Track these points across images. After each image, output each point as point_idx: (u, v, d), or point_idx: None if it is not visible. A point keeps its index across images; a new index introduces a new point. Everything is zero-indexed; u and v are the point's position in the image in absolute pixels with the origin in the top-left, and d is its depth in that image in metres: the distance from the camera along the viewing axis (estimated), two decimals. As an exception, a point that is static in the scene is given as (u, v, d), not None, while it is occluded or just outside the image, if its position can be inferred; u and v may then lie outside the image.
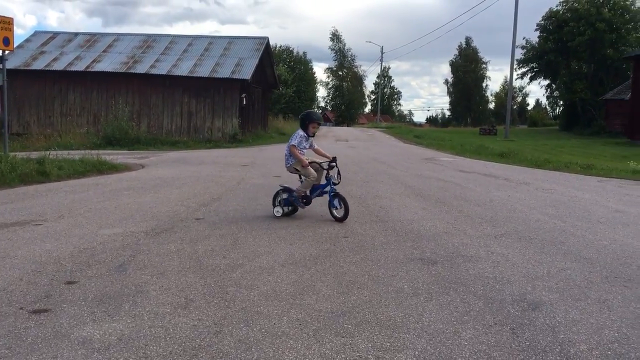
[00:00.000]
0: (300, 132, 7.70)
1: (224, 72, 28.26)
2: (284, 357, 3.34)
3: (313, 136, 7.80)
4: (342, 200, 7.56)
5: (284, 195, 7.90)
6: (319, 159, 7.89)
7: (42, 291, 4.45)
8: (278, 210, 7.90)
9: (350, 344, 3.56)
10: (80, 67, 28.39)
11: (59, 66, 28.40)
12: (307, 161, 7.57)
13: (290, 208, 7.95)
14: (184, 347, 3.45)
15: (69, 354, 3.32)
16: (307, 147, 7.81)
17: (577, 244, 6.47)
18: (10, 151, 13.96)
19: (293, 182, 8.47)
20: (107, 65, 28.57)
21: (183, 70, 28.32)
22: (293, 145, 7.61)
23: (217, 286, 4.68)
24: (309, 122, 7.68)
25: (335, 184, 7.62)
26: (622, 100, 39.25)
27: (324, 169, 7.71)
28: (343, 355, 3.39)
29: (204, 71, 28.29)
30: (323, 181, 7.79)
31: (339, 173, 7.62)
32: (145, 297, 4.38)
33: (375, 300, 4.40)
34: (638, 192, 11.37)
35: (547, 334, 3.78)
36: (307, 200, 7.89)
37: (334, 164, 7.60)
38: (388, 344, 3.58)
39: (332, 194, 7.60)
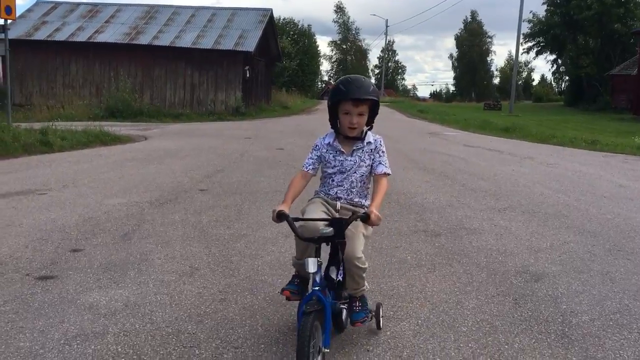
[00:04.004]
0: (321, 139, 3.24)
1: (228, 44, 28.00)
2: (287, 324, 3.37)
3: (360, 136, 3.14)
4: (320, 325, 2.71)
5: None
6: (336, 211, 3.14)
7: (48, 258, 4.48)
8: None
9: (353, 312, 3.59)
10: (82, 37, 28.13)
11: (61, 37, 28.15)
12: (280, 208, 2.89)
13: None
14: (189, 313, 3.49)
15: (76, 318, 3.35)
16: (353, 165, 3.15)
17: (580, 218, 6.48)
18: (13, 122, 13.94)
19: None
20: (109, 36, 28.31)
21: (186, 41, 28.05)
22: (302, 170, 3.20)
23: (221, 255, 4.71)
24: (335, 102, 3.09)
25: (334, 285, 3.01)
26: (628, 76, 38.87)
27: (301, 238, 2.90)
28: (347, 323, 3.42)
29: (207, 43, 28.03)
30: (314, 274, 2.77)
31: (342, 264, 2.99)
32: (150, 265, 4.41)
33: (379, 270, 4.43)
34: (642, 168, 11.34)
35: (549, 305, 3.80)
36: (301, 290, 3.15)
37: (339, 229, 2.83)
38: (391, 312, 3.61)
39: (308, 301, 2.68)
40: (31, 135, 12.08)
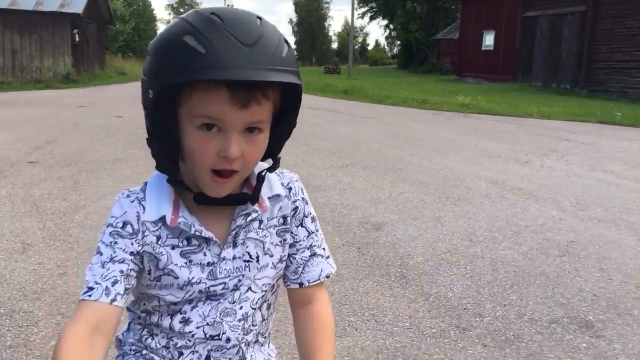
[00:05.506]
0: (130, 206, 1.04)
1: (52, 5, 25.61)
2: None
3: (248, 188, 1.09)
4: None
5: None
6: None
7: None
8: None
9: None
10: None
11: None
12: None
13: None
14: (24, 291, 3.23)
15: None
16: (241, 271, 1.11)
17: (414, 170, 6.98)
18: None
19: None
20: None
21: (2, 2, 25.22)
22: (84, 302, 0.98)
23: (58, 229, 4.40)
24: (167, 93, 0.89)
25: None
26: (451, 40, 42.08)
27: None
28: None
29: (27, 3, 25.38)
30: None
31: None
32: (-26, 245, 4.00)
33: (228, 231, 4.42)
34: (465, 123, 12.43)
35: (389, 250, 4.08)
36: None
37: None
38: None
39: None
40: None
